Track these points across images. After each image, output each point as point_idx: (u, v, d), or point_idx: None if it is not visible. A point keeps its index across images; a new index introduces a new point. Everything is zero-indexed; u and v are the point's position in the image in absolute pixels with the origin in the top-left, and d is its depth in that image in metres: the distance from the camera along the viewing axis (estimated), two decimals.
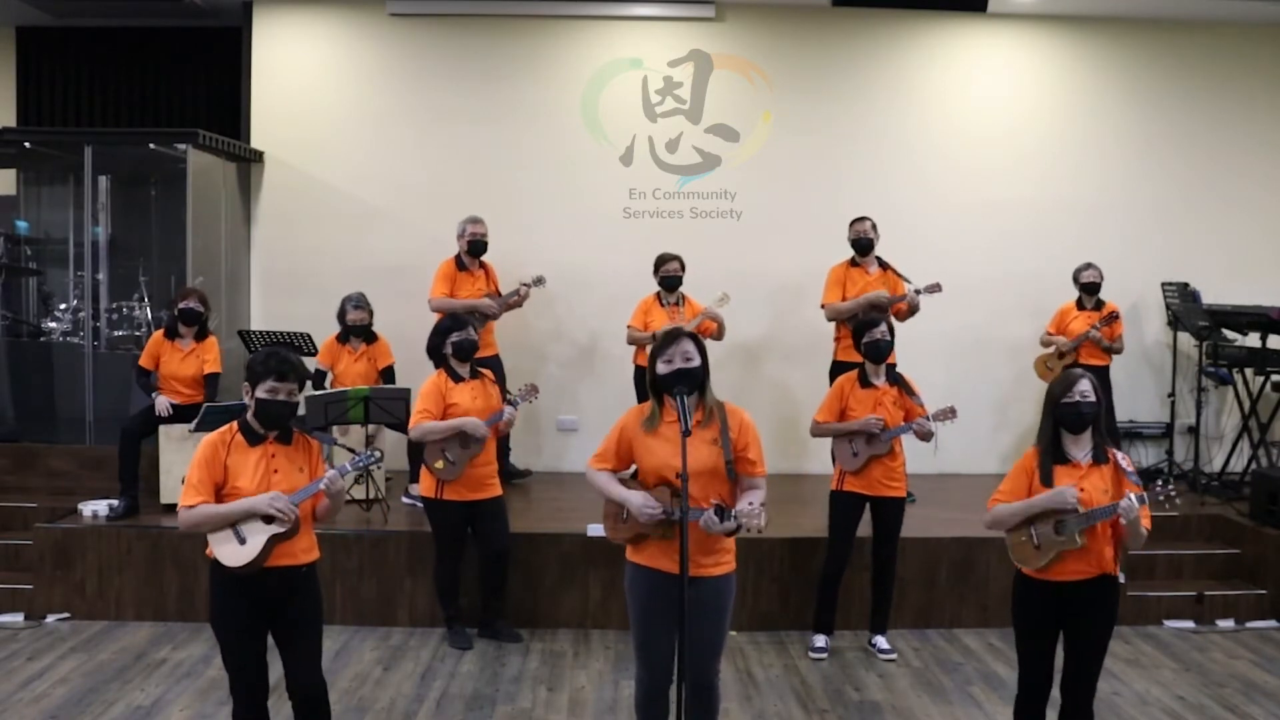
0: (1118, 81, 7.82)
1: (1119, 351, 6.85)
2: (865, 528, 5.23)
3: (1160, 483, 3.53)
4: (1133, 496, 3.40)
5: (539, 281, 6.74)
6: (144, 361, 6.07)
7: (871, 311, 6.33)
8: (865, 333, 5.14)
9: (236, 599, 3.41)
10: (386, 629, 5.63)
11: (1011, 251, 7.73)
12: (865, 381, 5.15)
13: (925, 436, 5.07)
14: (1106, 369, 6.79)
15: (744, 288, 7.00)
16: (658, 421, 3.44)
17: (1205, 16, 7.70)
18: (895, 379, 5.18)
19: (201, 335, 6.13)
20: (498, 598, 5.46)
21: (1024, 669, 3.70)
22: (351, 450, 3.48)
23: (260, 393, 3.39)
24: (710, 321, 6.47)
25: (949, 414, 5.06)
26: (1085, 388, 3.54)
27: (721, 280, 6.71)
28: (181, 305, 6.04)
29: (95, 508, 5.94)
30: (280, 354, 3.47)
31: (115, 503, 5.94)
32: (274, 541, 3.36)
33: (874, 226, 6.53)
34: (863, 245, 6.52)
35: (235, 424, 3.47)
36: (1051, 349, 6.91)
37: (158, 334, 6.11)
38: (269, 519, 3.36)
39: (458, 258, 6.68)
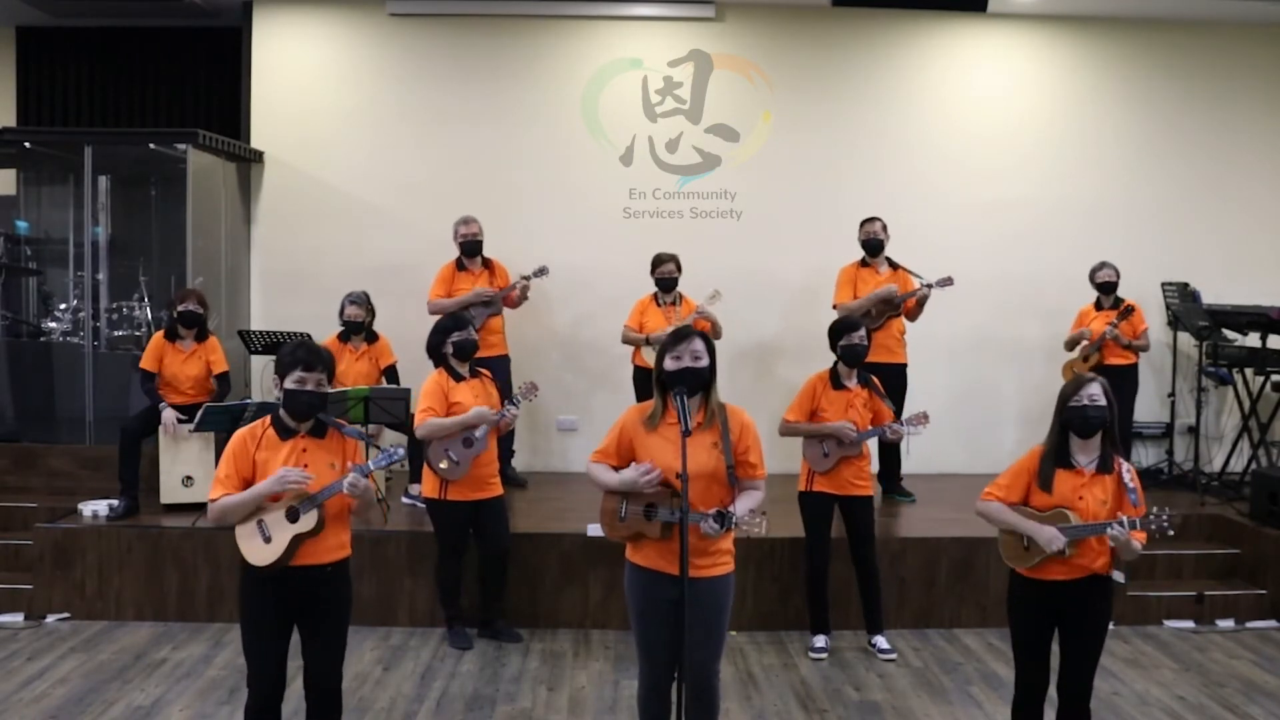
0: (1118, 81, 7.82)
1: (1144, 348, 6.81)
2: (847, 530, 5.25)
3: (1156, 512, 3.41)
4: (1124, 521, 3.37)
5: (540, 272, 6.73)
6: (147, 364, 6.05)
7: (883, 307, 6.35)
8: (843, 336, 5.13)
9: (262, 597, 3.45)
10: (386, 629, 5.62)
11: (1011, 251, 7.73)
12: (837, 383, 5.15)
13: (896, 440, 5.13)
14: (1133, 369, 6.78)
15: (745, 288, 6.99)
16: (659, 420, 3.42)
17: (1205, 16, 7.70)
18: (866, 381, 5.19)
19: (202, 336, 6.14)
20: (498, 598, 5.46)
21: (1020, 668, 3.70)
22: (379, 448, 3.50)
23: (289, 384, 3.43)
24: (703, 320, 6.45)
25: (921, 419, 5.07)
26: (1094, 391, 3.51)
27: (722, 280, 6.69)
28: (180, 308, 6.05)
29: (95, 508, 5.94)
30: (308, 344, 3.54)
31: (115, 503, 5.94)
32: (299, 540, 3.38)
33: (884, 227, 6.52)
34: (873, 246, 6.52)
35: (269, 418, 3.50)
36: (1076, 353, 6.88)
37: (158, 336, 6.11)
38: (293, 516, 3.38)
39: (458, 259, 6.70)
